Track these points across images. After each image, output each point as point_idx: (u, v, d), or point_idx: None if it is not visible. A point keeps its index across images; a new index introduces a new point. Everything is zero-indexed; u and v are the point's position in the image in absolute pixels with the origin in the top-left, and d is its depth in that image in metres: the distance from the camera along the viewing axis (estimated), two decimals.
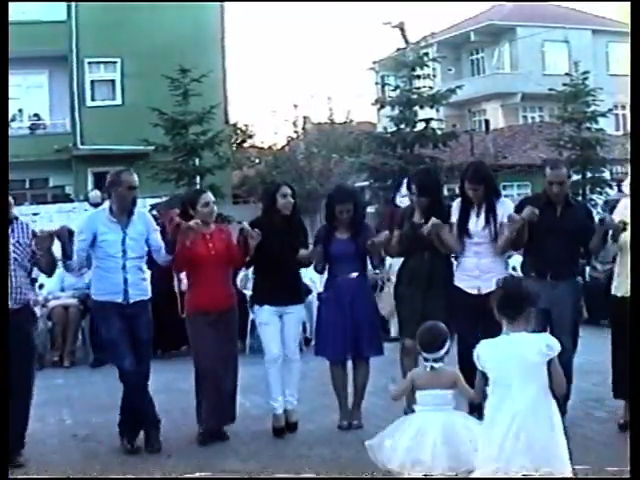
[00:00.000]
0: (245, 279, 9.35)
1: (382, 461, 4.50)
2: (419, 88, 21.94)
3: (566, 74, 24.50)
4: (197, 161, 19.65)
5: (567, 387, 5.57)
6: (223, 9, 26.40)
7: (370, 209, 21.07)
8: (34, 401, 5.60)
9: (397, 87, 22.56)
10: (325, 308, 6.36)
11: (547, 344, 3.90)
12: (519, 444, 3.77)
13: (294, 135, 30.05)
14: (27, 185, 24.70)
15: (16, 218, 5.56)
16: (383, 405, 6.16)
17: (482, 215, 5.98)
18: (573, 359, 5.83)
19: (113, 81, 25.21)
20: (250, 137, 36.07)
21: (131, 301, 5.75)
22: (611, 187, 21.44)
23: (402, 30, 22.63)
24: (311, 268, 6.51)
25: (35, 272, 8.79)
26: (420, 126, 21.58)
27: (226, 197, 20.76)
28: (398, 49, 23.44)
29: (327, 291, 6.36)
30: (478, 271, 5.95)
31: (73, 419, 6.70)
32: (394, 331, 9.58)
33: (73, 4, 24.49)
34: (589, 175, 21.46)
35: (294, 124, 29.48)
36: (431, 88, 22.45)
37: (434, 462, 4.30)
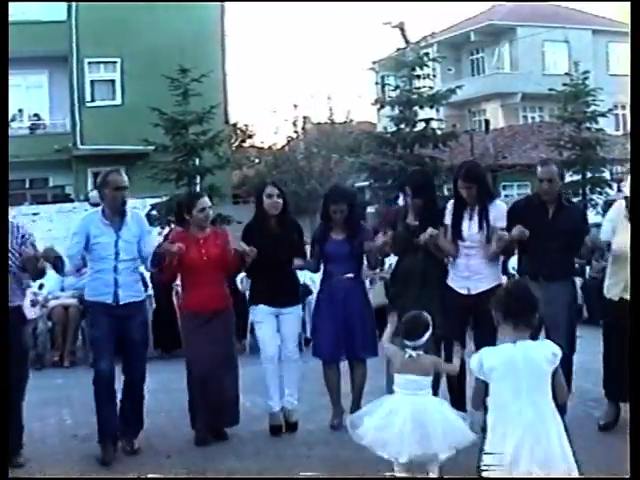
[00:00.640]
0: (246, 280, 9.35)
1: (357, 437, 4.66)
2: (419, 88, 21.91)
3: (566, 74, 24.48)
4: (197, 161, 19.62)
5: (568, 390, 5.61)
6: (223, 9, 26.41)
7: (370, 209, 21.09)
8: (34, 401, 5.61)
9: (397, 87, 22.53)
10: (320, 308, 6.36)
11: (553, 352, 3.83)
12: (534, 456, 3.68)
13: (294, 135, 30.04)
14: (27, 185, 24.71)
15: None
16: None
17: (475, 218, 5.96)
18: (572, 361, 5.83)
19: (113, 81, 25.21)
20: (250, 137, 36.08)
21: (121, 302, 5.72)
22: (611, 187, 21.43)
23: (402, 30, 22.61)
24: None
25: None
26: (420, 126, 21.55)
27: (226, 197, 20.76)
28: (398, 49, 23.42)
29: (322, 291, 6.37)
30: (468, 272, 5.95)
31: (73, 419, 6.70)
32: None
33: (73, 4, 24.49)
34: (589, 175, 21.44)
35: (294, 124, 29.47)
36: (431, 88, 22.42)
37: (401, 443, 4.47)
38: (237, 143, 34.28)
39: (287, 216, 6.28)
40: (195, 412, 5.99)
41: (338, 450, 5.61)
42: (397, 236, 6.12)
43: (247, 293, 8.13)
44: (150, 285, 9.12)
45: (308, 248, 6.43)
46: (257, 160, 31.51)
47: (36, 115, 25.64)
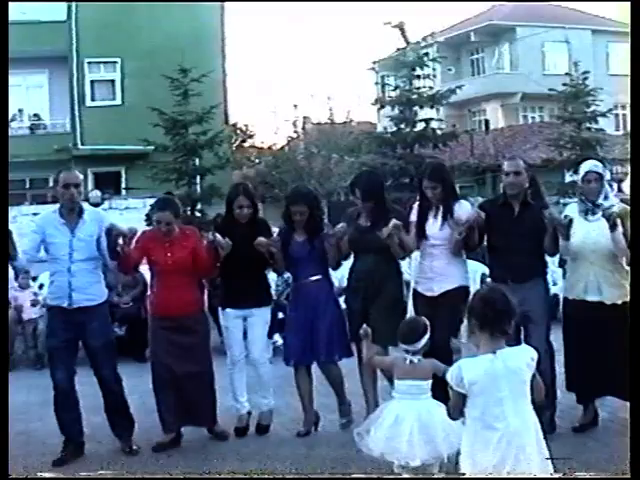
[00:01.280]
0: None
1: (366, 449, 4.66)
2: (419, 88, 21.92)
3: (566, 74, 24.50)
4: (197, 161, 19.64)
5: (552, 394, 5.60)
6: (223, 9, 26.37)
7: None
8: (34, 401, 5.61)
9: (397, 87, 22.55)
10: (289, 312, 6.34)
11: (531, 357, 3.76)
12: (519, 463, 3.63)
13: (294, 135, 30.04)
14: (27, 185, 24.68)
15: None
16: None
17: (439, 217, 5.92)
18: (554, 362, 5.78)
19: (113, 81, 25.18)
20: (250, 137, 36.07)
21: (75, 306, 5.58)
22: (611, 187, 21.40)
23: (402, 30, 22.60)
24: None
25: (35, 271, 8.84)
26: (420, 126, 21.57)
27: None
28: (398, 49, 23.42)
29: (291, 295, 6.35)
30: (432, 273, 5.92)
31: None
32: None
33: (73, 4, 24.45)
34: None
35: (294, 124, 29.48)
36: (431, 88, 22.44)
37: (410, 450, 4.48)
38: (237, 143, 34.27)
39: (256, 218, 6.22)
40: (161, 414, 5.96)
41: (338, 450, 5.61)
42: (349, 237, 6.05)
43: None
44: None
45: None
46: (257, 160, 31.51)
47: (36, 115, 25.63)
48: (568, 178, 21.16)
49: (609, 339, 5.61)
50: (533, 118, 36.38)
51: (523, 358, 3.74)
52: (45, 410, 6.50)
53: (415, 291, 6.10)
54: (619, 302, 5.70)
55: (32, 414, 5.99)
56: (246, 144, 35.49)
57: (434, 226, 5.94)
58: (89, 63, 24.94)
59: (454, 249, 5.89)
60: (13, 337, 9.53)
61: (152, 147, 19.94)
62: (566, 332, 5.91)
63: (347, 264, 6.36)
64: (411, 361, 4.76)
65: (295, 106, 29.46)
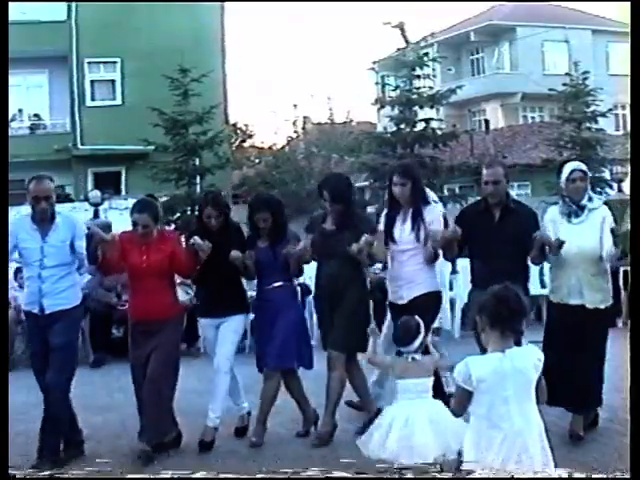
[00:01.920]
0: None
1: (373, 452, 4.65)
2: (419, 88, 21.91)
3: (566, 74, 24.48)
4: (197, 161, 19.65)
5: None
6: (223, 9, 26.39)
7: (370, 209, 21.10)
8: (34, 401, 5.60)
9: (397, 87, 22.54)
10: (255, 319, 6.29)
11: (538, 357, 3.76)
12: (521, 464, 3.62)
13: (294, 135, 30.12)
14: None
15: None
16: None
17: (408, 221, 5.84)
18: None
19: (113, 81, 25.20)
20: (250, 137, 36.13)
21: (47, 312, 5.48)
22: (611, 187, 21.42)
23: (402, 30, 22.61)
24: (312, 266, 6.43)
25: None
26: (420, 126, 21.56)
27: (226, 197, 20.77)
28: (398, 49, 23.44)
29: (256, 301, 6.22)
30: (401, 280, 5.85)
31: None
32: None
33: (73, 4, 24.47)
34: (589, 175, 21.44)
35: (294, 124, 29.56)
36: (431, 88, 22.43)
37: (425, 449, 4.48)
38: (237, 143, 34.30)
39: (229, 225, 6.11)
40: (141, 422, 5.75)
41: (338, 450, 5.61)
42: (313, 242, 5.96)
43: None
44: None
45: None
46: (257, 160, 31.55)
47: (36, 115, 25.63)
48: None
49: (587, 343, 5.54)
50: (533, 118, 36.37)
51: (530, 358, 3.75)
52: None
53: (389, 302, 6.01)
54: (601, 307, 5.63)
55: (32, 414, 5.97)
56: (246, 144, 35.55)
57: (403, 231, 5.84)
58: (89, 63, 24.96)
59: (428, 260, 5.81)
60: (13, 337, 9.53)
61: (152, 147, 19.95)
62: (548, 333, 5.80)
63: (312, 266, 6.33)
64: (413, 358, 4.76)
65: (295, 106, 29.58)
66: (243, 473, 5.23)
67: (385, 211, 6.06)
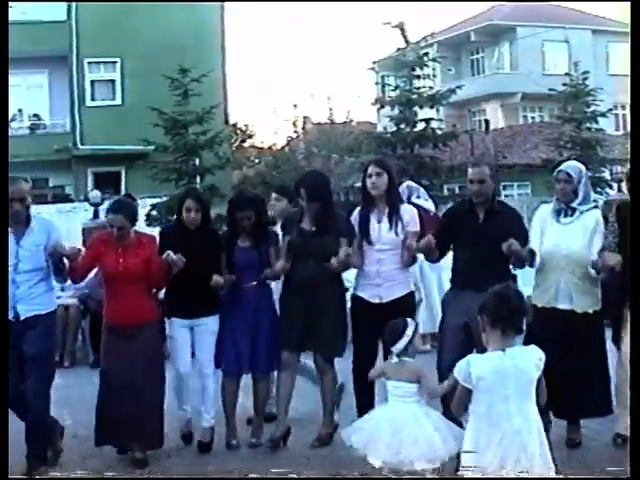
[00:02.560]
0: None
1: (364, 451, 4.54)
2: (419, 88, 21.93)
3: (566, 74, 24.52)
4: (197, 161, 19.65)
5: None
6: (223, 9, 26.41)
7: None
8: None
9: (397, 87, 22.56)
10: (224, 317, 5.91)
11: (539, 357, 3.76)
12: (520, 463, 3.62)
13: (294, 135, 30.08)
14: None
15: None
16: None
17: (385, 220, 5.72)
18: None
19: (113, 81, 25.22)
20: (250, 137, 36.09)
21: (21, 318, 5.31)
22: (611, 187, 21.44)
23: (402, 30, 22.63)
24: None
25: None
26: (420, 126, 21.58)
27: (226, 197, 20.75)
28: (398, 49, 23.45)
29: (229, 300, 5.91)
30: (380, 279, 5.69)
31: (73, 419, 6.68)
32: None
33: (73, 4, 24.50)
34: (589, 175, 21.45)
35: (294, 124, 29.51)
36: (431, 88, 22.45)
37: (412, 456, 4.36)
38: (237, 143, 34.29)
39: (206, 227, 5.94)
40: (98, 429, 5.60)
41: (338, 450, 5.60)
42: (290, 242, 5.80)
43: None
44: None
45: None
46: (257, 160, 31.53)
47: (36, 115, 25.66)
48: None
49: (577, 350, 5.40)
50: (533, 118, 36.39)
51: (532, 358, 3.75)
52: None
53: (356, 297, 5.86)
54: (590, 311, 5.49)
55: None
56: (246, 144, 35.51)
57: (381, 229, 5.74)
58: (89, 63, 24.98)
59: (406, 262, 5.75)
60: None
61: (152, 147, 19.95)
62: (532, 342, 5.62)
63: None
64: (399, 359, 4.67)
65: (295, 106, 29.52)
66: (244, 473, 5.24)
67: (358, 209, 5.92)
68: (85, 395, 6.18)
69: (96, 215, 17.58)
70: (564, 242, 5.50)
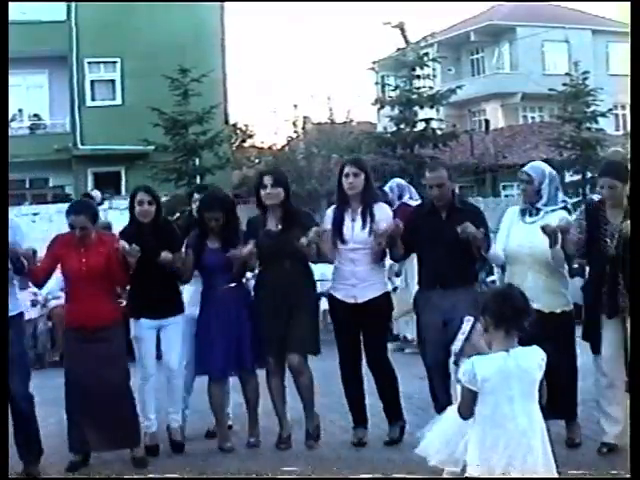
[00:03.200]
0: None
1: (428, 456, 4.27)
2: (419, 88, 21.94)
3: (566, 74, 24.49)
4: (197, 161, 19.67)
5: None
6: (223, 9, 26.39)
7: None
8: (34, 401, 5.59)
9: (397, 87, 22.57)
10: (204, 322, 5.82)
11: (542, 357, 3.75)
12: (526, 464, 3.61)
13: (294, 135, 30.02)
14: (27, 185, 24.70)
15: None
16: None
17: (358, 219, 5.72)
18: None
19: (113, 81, 25.21)
20: (250, 137, 36.06)
21: None
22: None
23: (402, 30, 22.63)
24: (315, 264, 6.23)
25: None
26: (420, 126, 21.58)
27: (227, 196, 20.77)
28: (398, 49, 23.44)
29: (206, 304, 5.85)
30: (355, 279, 5.70)
31: None
32: (396, 329, 9.59)
33: (73, 4, 24.49)
34: (589, 175, 21.47)
35: (294, 124, 29.43)
36: (431, 88, 22.45)
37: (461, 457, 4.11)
38: (237, 143, 34.27)
39: (161, 222, 5.87)
40: (70, 433, 5.55)
41: (338, 450, 5.61)
42: (259, 244, 5.69)
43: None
44: None
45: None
46: (257, 160, 31.49)
47: (36, 115, 25.65)
48: (568, 178, 21.15)
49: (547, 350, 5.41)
50: (533, 118, 36.37)
51: (535, 358, 3.74)
52: (45, 410, 6.51)
53: (332, 297, 5.87)
54: (558, 311, 5.48)
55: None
56: (246, 144, 35.46)
57: (354, 229, 5.73)
58: (89, 63, 24.97)
59: (375, 258, 5.74)
60: None
61: (152, 147, 19.98)
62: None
63: None
64: (456, 365, 4.35)
65: (295, 106, 29.43)
66: (243, 473, 5.24)
67: (332, 207, 5.91)
68: None
69: None
70: (527, 240, 5.52)
